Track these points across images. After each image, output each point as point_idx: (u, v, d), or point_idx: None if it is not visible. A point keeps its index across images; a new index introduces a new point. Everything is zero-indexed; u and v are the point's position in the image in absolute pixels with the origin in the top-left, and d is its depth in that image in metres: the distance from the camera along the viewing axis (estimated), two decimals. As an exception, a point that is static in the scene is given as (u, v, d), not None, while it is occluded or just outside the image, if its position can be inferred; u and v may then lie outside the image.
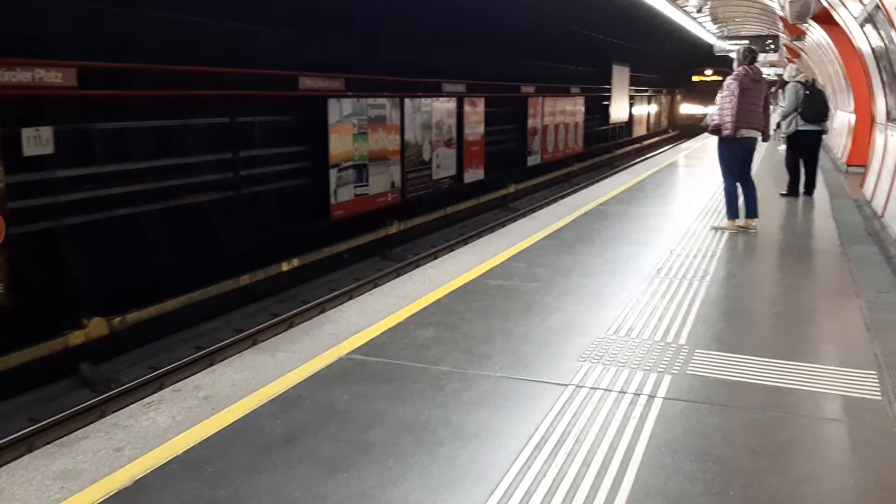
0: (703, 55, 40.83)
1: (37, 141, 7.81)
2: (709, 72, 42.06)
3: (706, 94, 36.33)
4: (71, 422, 6.93)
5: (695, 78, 43.15)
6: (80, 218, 8.67)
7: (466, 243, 12.52)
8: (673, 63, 41.37)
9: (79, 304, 8.45)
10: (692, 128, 38.91)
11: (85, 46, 8.58)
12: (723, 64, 37.69)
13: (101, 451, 3.49)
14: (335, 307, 6.09)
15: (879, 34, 8.63)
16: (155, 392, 4.68)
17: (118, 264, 9.20)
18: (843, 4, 10.13)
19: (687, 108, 43.72)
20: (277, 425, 3.75)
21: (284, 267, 11.34)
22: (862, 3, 8.89)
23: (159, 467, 3.32)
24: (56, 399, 7.78)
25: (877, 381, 4.24)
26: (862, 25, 9.71)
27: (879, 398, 4.02)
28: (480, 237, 12.77)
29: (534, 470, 3.27)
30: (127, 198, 9.26)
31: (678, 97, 44.66)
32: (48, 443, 4.02)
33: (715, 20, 33.78)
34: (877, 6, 7.84)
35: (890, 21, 7.34)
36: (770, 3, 20.85)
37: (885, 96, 10.02)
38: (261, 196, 11.51)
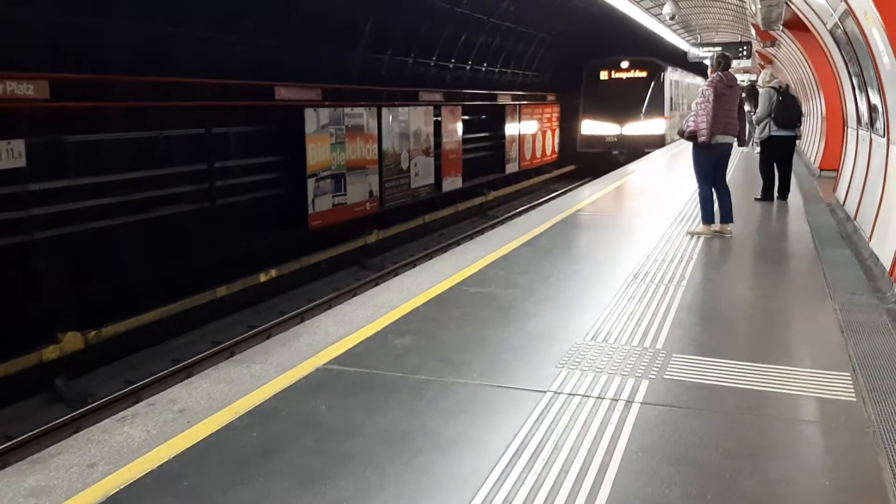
0: (620, 35, 28.42)
1: (9, 154, 7.72)
2: (625, 64, 27.29)
3: (624, 102, 26.45)
4: (45, 438, 6.84)
5: (602, 75, 27.48)
6: (53, 231, 8.58)
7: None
8: (567, 50, 27.11)
9: (53, 319, 8.36)
10: (602, 161, 25.11)
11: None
12: (651, 50, 29.62)
13: (73, 466, 3.43)
14: (313, 317, 6.04)
15: (849, 40, 8.75)
16: (130, 406, 4.61)
17: (92, 278, 9.11)
18: (814, 11, 10.26)
19: (592, 127, 27.07)
20: (254, 438, 3.71)
21: (262, 278, 11.29)
22: (832, 10, 9.01)
23: (133, 482, 3.28)
24: (31, 416, 7.68)
25: (851, 382, 4.27)
26: (832, 32, 9.83)
27: (854, 399, 4.05)
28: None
29: (512, 477, 3.26)
30: (101, 210, 9.18)
31: (581, 107, 27.60)
32: (22, 459, 3.96)
33: (688, 29, 34.11)
34: (846, 12, 7.95)
35: (859, 27, 7.45)
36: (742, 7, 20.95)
37: (856, 101, 10.15)
38: (237, 206, 11.45)
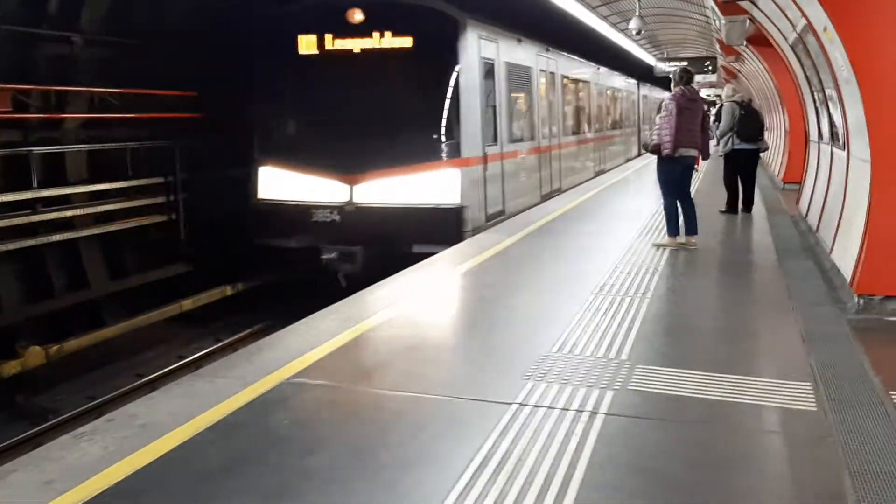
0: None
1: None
2: (360, 17, 10.42)
3: (365, 117, 10.35)
4: (4, 455, 6.69)
5: (306, 44, 10.59)
6: (14, 244, 8.43)
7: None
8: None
9: (14, 333, 8.21)
10: (298, 280, 11.15)
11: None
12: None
13: (29, 484, 3.36)
14: (280, 328, 5.99)
15: (809, 55, 8.91)
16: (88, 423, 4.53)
17: (54, 291, 8.96)
18: (776, 26, 10.44)
19: (282, 185, 10.68)
20: (216, 453, 3.66)
21: (228, 291, 11.17)
22: (792, 26, 9.17)
23: (90, 499, 3.21)
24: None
25: (812, 392, 4.32)
26: (793, 47, 10.01)
27: (815, 409, 4.09)
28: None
29: (475, 492, 3.24)
30: (64, 223, 9.02)
31: (256, 137, 11.03)
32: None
33: (654, 44, 34.44)
34: (806, 28, 8.10)
35: (819, 43, 7.59)
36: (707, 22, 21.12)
37: (817, 115, 10.33)
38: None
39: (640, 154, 27.84)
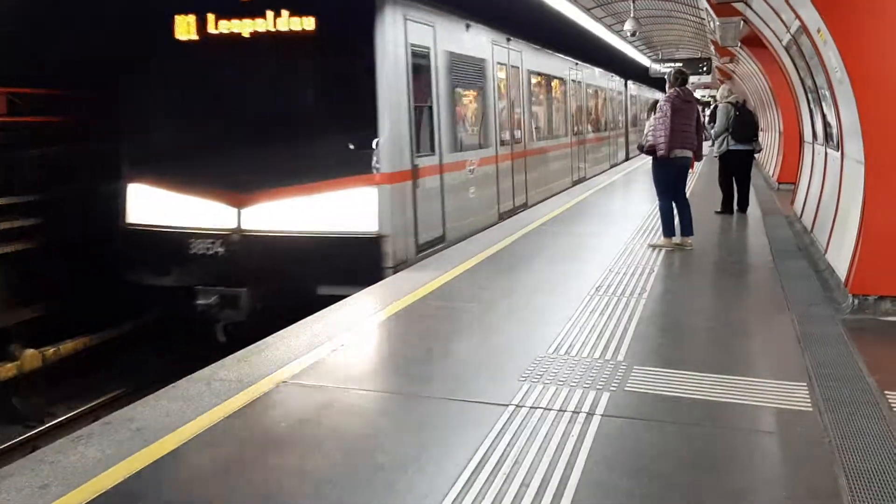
0: None
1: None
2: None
3: (261, 123, 8.04)
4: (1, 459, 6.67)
5: (184, 29, 8.18)
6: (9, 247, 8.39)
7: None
8: None
9: (9, 336, 8.17)
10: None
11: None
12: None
13: (25, 488, 3.35)
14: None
15: (803, 56, 8.94)
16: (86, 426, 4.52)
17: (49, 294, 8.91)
18: (770, 28, 10.47)
19: (156, 207, 8.29)
20: (212, 456, 3.66)
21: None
22: (786, 27, 9.20)
23: (87, 503, 3.21)
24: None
25: (807, 392, 4.33)
26: (787, 48, 10.05)
27: (810, 409, 4.10)
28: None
29: (472, 493, 3.24)
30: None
31: (123, 147, 8.60)
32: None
33: (649, 45, 34.47)
34: (800, 29, 8.13)
35: (813, 44, 7.62)
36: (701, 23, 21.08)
37: (811, 116, 10.37)
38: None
39: (627, 158, 26.45)
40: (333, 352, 5.15)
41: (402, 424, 3.99)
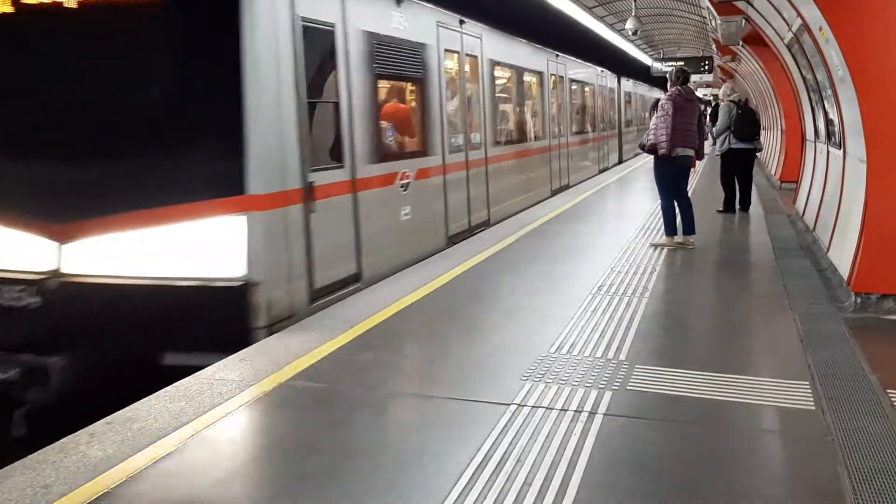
0: None
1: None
2: None
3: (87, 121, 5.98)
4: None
5: None
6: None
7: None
8: None
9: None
10: None
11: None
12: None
13: (27, 488, 3.35)
14: (275, 332, 5.97)
15: (805, 54, 8.93)
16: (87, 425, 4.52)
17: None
18: (772, 26, 10.46)
19: None
20: (213, 456, 3.66)
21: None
22: (788, 25, 9.19)
23: (89, 503, 3.21)
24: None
25: (810, 391, 4.32)
26: (789, 46, 10.04)
27: (812, 408, 4.09)
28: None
29: (474, 493, 3.24)
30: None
31: None
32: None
33: (651, 44, 34.44)
34: (802, 27, 8.12)
35: (815, 42, 7.61)
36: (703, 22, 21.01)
37: (813, 114, 10.36)
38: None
39: (621, 161, 24.70)
40: (337, 350, 5.14)
41: (404, 424, 3.99)
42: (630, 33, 21.90)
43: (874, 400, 4.19)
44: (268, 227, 5.81)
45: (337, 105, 6.93)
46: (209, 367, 4.95)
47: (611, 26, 25.38)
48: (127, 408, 4.34)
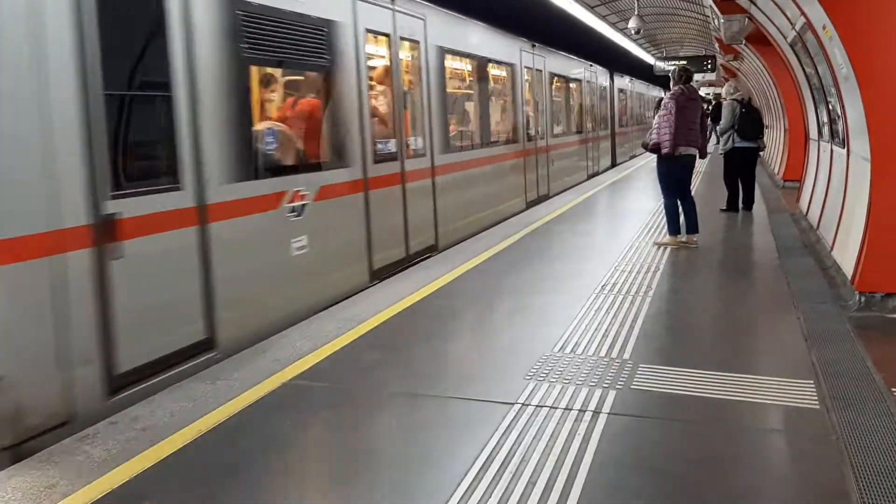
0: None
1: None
2: None
3: None
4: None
5: None
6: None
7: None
8: None
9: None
10: None
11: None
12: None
13: (32, 488, 3.36)
14: (279, 333, 5.96)
15: (808, 53, 8.92)
16: (90, 425, 4.52)
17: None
18: (775, 25, 10.45)
19: None
20: (218, 456, 3.66)
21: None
22: (791, 24, 9.18)
23: (93, 503, 3.21)
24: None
25: (815, 390, 4.32)
26: (792, 45, 10.02)
27: (817, 407, 4.09)
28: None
29: (479, 491, 3.23)
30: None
31: None
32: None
33: (653, 43, 34.40)
34: (805, 26, 8.11)
35: (818, 41, 7.60)
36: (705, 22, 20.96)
37: (817, 113, 10.34)
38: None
39: (615, 165, 22.87)
40: (341, 350, 5.13)
41: (408, 423, 3.98)
42: (633, 32, 21.85)
43: (879, 399, 4.18)
44: (16, 287, 3.92)
45: (168, 99, 4.91)
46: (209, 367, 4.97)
47: (613, 25, 25.36)
48: (130, 407, 4.34)
